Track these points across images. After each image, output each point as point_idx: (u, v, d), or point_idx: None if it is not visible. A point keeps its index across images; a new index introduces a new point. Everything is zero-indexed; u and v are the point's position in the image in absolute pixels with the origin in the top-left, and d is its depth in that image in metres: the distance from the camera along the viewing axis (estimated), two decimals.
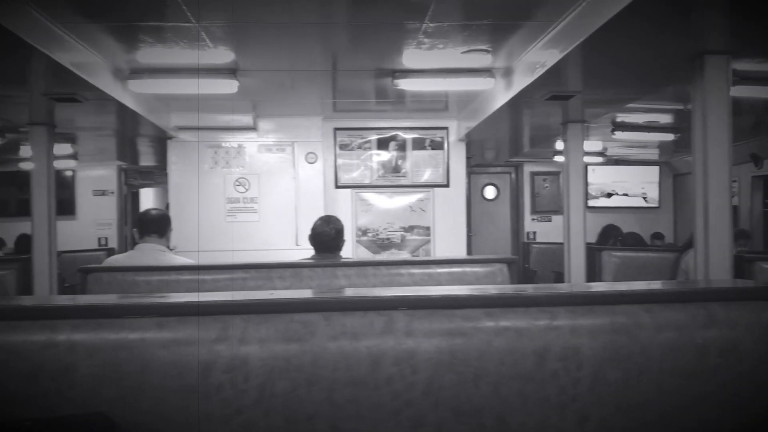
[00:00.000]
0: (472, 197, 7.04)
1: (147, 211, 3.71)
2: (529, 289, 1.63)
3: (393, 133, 6.37)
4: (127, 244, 8.78)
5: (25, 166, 7.94)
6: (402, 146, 6.39)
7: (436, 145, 6.43)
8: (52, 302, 1.53)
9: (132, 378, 1.33)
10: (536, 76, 4.10)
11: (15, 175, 8.50)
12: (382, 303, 1.45)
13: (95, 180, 8.48)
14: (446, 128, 6.43)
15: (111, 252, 7.58)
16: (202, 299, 1.43)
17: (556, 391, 1.40)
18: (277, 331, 1.39)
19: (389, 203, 6.33)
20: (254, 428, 1.33)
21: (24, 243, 6.60)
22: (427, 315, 1.43)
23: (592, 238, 5.96)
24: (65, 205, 8.11)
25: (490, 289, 1.73)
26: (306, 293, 1.84)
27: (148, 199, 10.96)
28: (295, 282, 3.16)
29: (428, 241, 6.37)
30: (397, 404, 1.37)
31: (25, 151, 7.04)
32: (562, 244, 5.47)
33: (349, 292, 1.58)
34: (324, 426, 1.35)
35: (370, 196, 6.33)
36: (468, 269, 3.31)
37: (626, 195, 8.94)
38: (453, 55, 4.30)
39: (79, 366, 1.33)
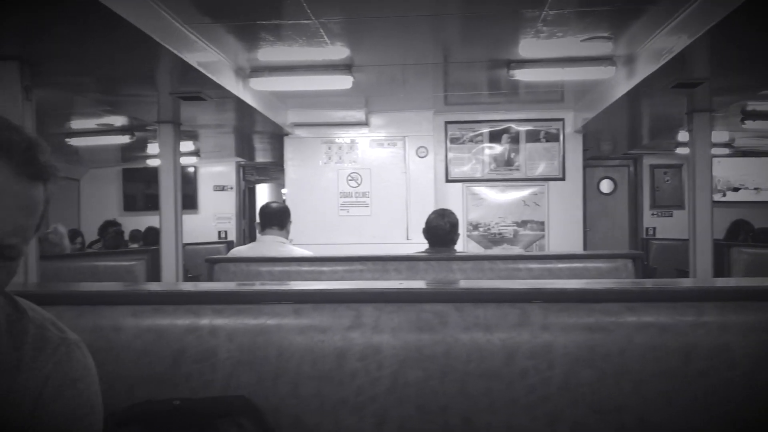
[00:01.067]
0: (587, 191, 6.81)
1: (268, 205, 3.82)
2: (670, 283, 1.55)
3: (506, 125, 6.26)
4: (244, 237, 9.13)
5: (151, 162, 8.43)
6: (515, 139, 6.26)
7: (551, 137, 6.26)
8: (195, 288, 1.59)
9: (270, 363, 1.37)
10: (661, 63, 3.89)
11: (142, 172, 9.02)
12: (516, 295, 1.41)
13: (215, 176, 8.86)
14: (562, 119, 6.25)
15: (230, 244, 7.90)
16: (336, 287, 1.44)
17: (702, 390, 1.31)
18: (409, 321, 1.38)
19: (501, 197, 6.22)
20: (387, 416, 1.33)
21: (151, 235, 7.01)
22: (564, 309, 1.38)
23: (718, 234, 5.61)
24: (188, 200, 8.52)
25: (627, 284, 1.65)
26: (438, 284, 1.82)
27: (263, 194, 11.35)
28: (410, 275, 3.16)
29: (542, 237, 6.21)
30: (532, 399, 1.33)
31: (152, 148, 7.46)
32: (685, 240, 5.18)
33: (482, 284, 1.55)
34: (457, 418, 1.33)
35: (482, 189, 6.25)
36: (590, 264, 3.20)
37: (757, 189, 8.35)
38: (572, 44, 4.16)
39: (219, 350, 1.38)
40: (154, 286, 1.46)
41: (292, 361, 1.36)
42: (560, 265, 3.21)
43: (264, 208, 3.80)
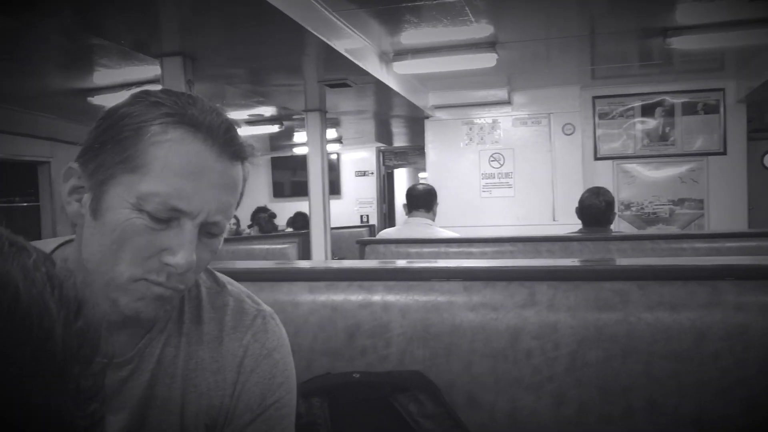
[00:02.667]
0: (751, 166, 6.28)
1: (414, 187, 3.84)
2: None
3: (659, 98, 5.88)
4: (385, 220, 9.28)
5: (297, 151, 8.76)
6: (670, 112, 5.88)
7: (710, 109, 5.81)
8: (367, 266, 1.62)
9: (442, 339, 1.36)
10: None
11: (289, 160, 9.41)
12: (705, 272, 1.31)
13: (357, 162, 9.07)
14: (722, 89, 5.78)
15: (372, 228, 8.07)
16: (507, 264, 1.41)
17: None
18: (587, 300, 1.32)
19: (655, 174, 5.87)
20: (566, 397, 1.29)
21: (299, 220, 7.30)
22: (761, 286, 1.26)
23: None
24: (332, 186, 8.79)
25: None
26: (617, 261, 1.74)
27: (401, 179, 11.47)
28: (564, 256, 3.06)
29: (701, 215, 5.80)
30: (726, 383, 1.23)
31: (298, 137, 7.74)
32: None
33: (665, 261, 1.46)
34: (641, 401, 1.26)
35: (634, 167, 5.94)
36: (764, 243, 2.94)
37: None
38: (739, 6, 3.82)
39: (392, 325, 1.39)
40: (328, 264, 1.50)
41: (465, 338, 1.35)
42: (728, 244, 2.98)
43: (411, 190, 3.82)
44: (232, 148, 0.83)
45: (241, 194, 0.88)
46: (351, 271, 1.48)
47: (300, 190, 8.67)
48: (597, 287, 1.32)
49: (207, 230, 0.83)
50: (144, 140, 0.79)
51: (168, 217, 0.79)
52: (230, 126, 0.85)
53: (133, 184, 0.78)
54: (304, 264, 1.80)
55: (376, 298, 1.42)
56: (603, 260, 1.74)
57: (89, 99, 5.12)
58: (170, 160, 0.78)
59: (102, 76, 4.58)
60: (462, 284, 1.40)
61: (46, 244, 0.92)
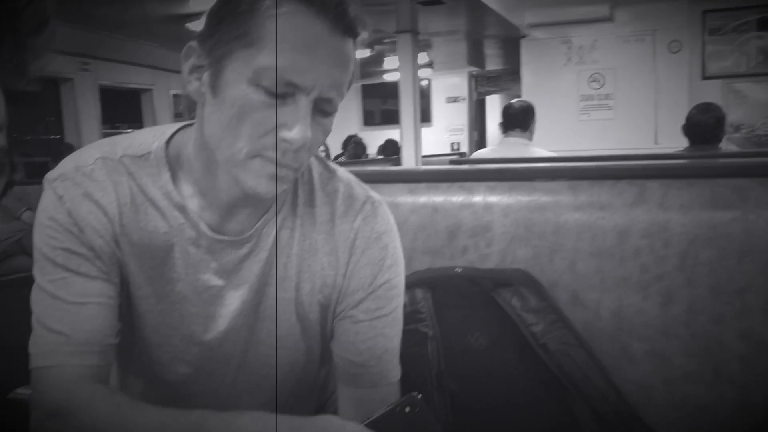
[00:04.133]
0: None
1: (510, 104, 3.75)
2: None
3: None
4: (476, 148, 9.17)
5: (387, 78, 8.71)
6: None
7: None
8: (469, 167, 1.61)
9: (545, 239, 1.35)
10: None
11: (379, 88, 9.37)
12: None
13: (448, 88, 8.93)
14: None
15: (463, 156, 8.00)
16: (615, 163, 1.37)
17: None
18: (701, 197, 1.27)
19: None
20: (675, 296, 1.26)
21: (390, 147, 7.31)
22: None
23: None
24: (423, 113, 8.73)
25: None
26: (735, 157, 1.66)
27: (493, 106, 11.24)
28: None
29: None
30: None
31: (388, 63, 7.68)
32: None
33: None
34: (759, 300, 1.21)
35: (745, 86, 5.55)
36: None
37: None
38: None
39: (494, 225, 1.38)
40: (428, 167, 1.50)
41: (569, 237, 1.33)
42: None
43: (507, 107, 3.73)
44: (344, 22, 0.82)
45: (353, 73, 0.88)
46: (451, 173, 1.47)
47: (390, 118, 8.65)
48: (712, 184, 1.26)
49: (320, 108, 0.84)
50: (259, 14, 0.79)
51: (283, 92, 0.80)
52: (342, 0, 0.84)
53: (249, 58, 0.80)
54: (403, 167, 1.80)
55: (478, 198, 1.41)
56: (718, 155, 1.64)
57: (187, 25, 5.24)
58: (284, 34, 0.79)
59: (198, 1, 4.67)
60: (567, 183, 1.36)
61: (165, 129, 0.96)
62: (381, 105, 9.78)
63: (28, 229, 3.17)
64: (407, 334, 1.17)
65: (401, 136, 5.50)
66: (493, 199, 1.40)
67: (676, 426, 1.23)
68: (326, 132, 0.87)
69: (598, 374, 1.16)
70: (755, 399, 1.21)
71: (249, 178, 0.83)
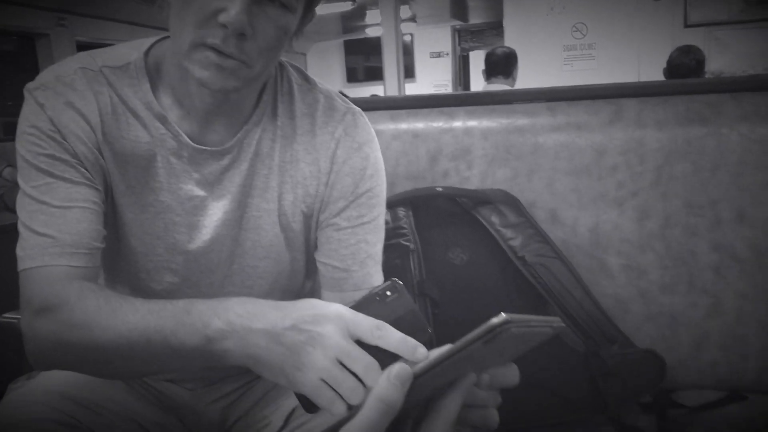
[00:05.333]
0: None
1: (493, 51, 3.74)
2: None
3: None
4: None
5: (371, 32, 8.61)
6: None
7: None
8: (449, 92, 1.62)
9: (524, 159, 1.37)
10: None
11: (362, 44, 9.27)
12: None
13: (431, 42, 8.85)
14: None
15: None
16: (591, 84, 1.38)
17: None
18: (676, 113, 1.29)
19: (752, 42, 5.48)
20: (651, 210, 1.29)
21: None
22: None
23: None
24: (406, 69, 8.67)
25: None
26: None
27: (477, 62, 11.18)
28: None
29: None
30: None
31: (370, 16, 7.59)
32: None
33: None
34: (730, 212, 1.25)
35: (727, 35, 5.55)
36: None
37: None
38: None
39: (474, 148, 1.40)
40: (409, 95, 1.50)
41: (547, 157, 1.35)
42: None
43: (489, 54, 3.72)
44: None
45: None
46: (432, 98, 1.48)
47: (374, 74, 8.58)
48: (687, 100, 1.29)
49: None
50: None
51: None
52: None
53: None
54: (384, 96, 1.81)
55: (458, 123, 1.43)
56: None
57: None
58: None
59: None
60: (545, 105, 1.38)
61: (144, 41, 0.97)
62: (364, 62, 9.69)
63: (9, 186, 3.15)
64: (389, 249, 1.20)
65: (385, 93, 5.47)
66: (472, 123, 1.42)
67: (651, 335, 1.27)
68: (280, 27, 0.85)
69: (574, 284, 1.20)
70: (726, 307, 1.25)
71: (196, 69, 0.82)
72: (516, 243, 1.22)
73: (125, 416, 1.04)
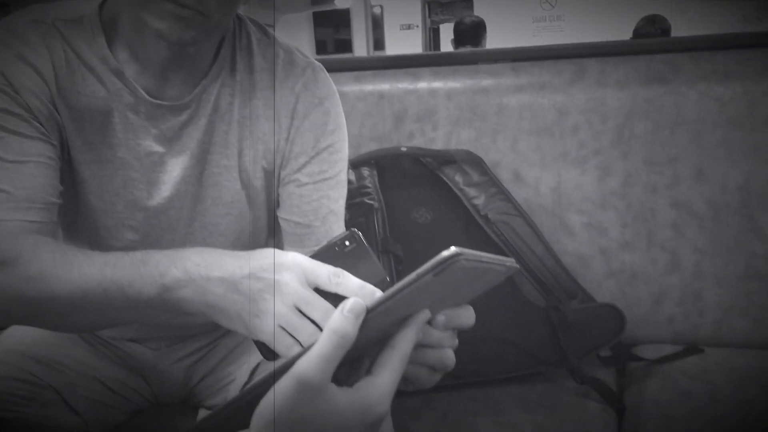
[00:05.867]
0: None
1: (462, 20, 3.73)
2: None
3: None
4: None
5: (339, 2, 8.52)
6: None
7: None
8: (413, 53, 1.62)
9: (488, 120, 1.37)
10: None
11: (331, 16, 9.17)
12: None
13: (401, 15, 8.79)
14: None
15: None
16: (554, 43, 1.39)
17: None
18: (637, 72, 1.30)
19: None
20: (612, 169, 1.31)
21: None
22: None
23: None
24: (376, 42, 8.60)
25: None
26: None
27: (448, 34, 11.14)
28: None
29: None
30: None
31: None
32: None
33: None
34: (688, 169, 1.27)
35: (693, 3, 5.61)
36: None
37: None
38: None
39: (439, 109, 1.41)
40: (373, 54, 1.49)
41: (511, 117, 1.36)
42: None
43: (458, 24, 3.71)
44: None
45: None
46: (396, 59, 1.48)
47: (343, 47, 8.51)
48: (648, 59, 1.30)
49: None
50: None
51: None
52: None
53: None
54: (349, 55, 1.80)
55: (423, 84, 1.43)
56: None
57: None
58: None
59: None
60: (509, 65, 1.39)
61: None
62: (333, 34, 9.59)
63: None
64: (353, 207, 1.20)
65: None
66: (437, 84, 1.42)
67: (611, 292, 1.30)
68: None
69: (536, 241, 1.21)
70: (683, 263, 1.28)
71: (153, 20, 0.80)
72: (479, 201, 1.23)
73: (88, 375, 1.04)
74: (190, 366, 1.11)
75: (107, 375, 1.06)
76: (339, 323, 0.47)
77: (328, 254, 0.71)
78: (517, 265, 0.58)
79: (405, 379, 0.56)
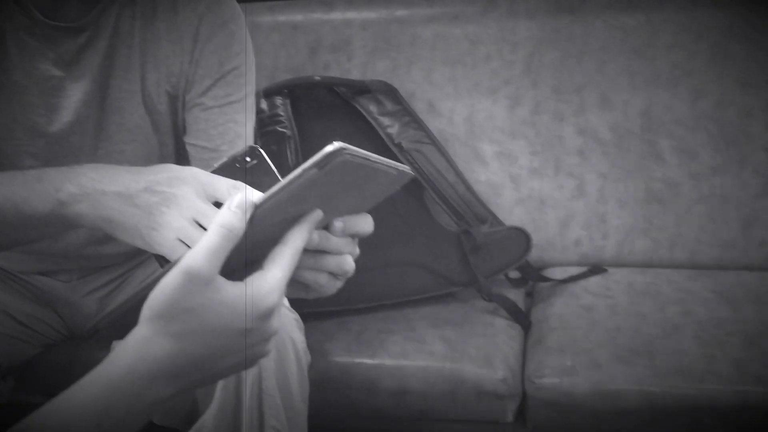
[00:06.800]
0: None
1: None
2: None
3: None
4: None
5: None
6: None
7: None
8: None
9: (403, 51, 1.38)
10: None
11: None
12: None
13: None
14: None
15: None
16: None
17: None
18: (546, 2, 1.34)
19: None
20: (522, 98, 1.34)
21: None
22: None
23: None
24: None
25: None
26: None
27: None
28: None
29: None
30: (675, 75, 1.28)
31: None
32: None
33: None
34: (593, 97, 1.32)
35: None
36: None
37: None
38: None
39: (354, 39, 1.40)
40: None
41: (425, 48, 1.37)
42: None
43: None
44: None
45: None
46: None
47: None
48: None
49: None
50: None
51: None
52: None
53: None
54: None
55: (337, 14, 1.42)
56: None
57: None
58: None
59: None
60: None
61: None
62: None
63: None
64: (266, 135, 1.20)
65: None
66: (351, 14, 1.41)
67: (521, 218, 1.34)
68: None
69: (447, 168, 1.24)
70: (589, 188, 1.34)
71: None
72: (393, 131, 1.25)
73: None
74: (102, 298, 1.10)
75: (18, 309, 1.04)
76: (226, 217, 0.47)
77: (228, 169, 0.70)
78: (412, 173, 0.59)
79: (307, 286, 0.57)
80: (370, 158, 0.54)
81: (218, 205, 0.67)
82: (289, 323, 0.91)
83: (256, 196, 0.67)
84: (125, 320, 0.48)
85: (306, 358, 0.92)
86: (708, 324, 1.10)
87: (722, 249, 1.30)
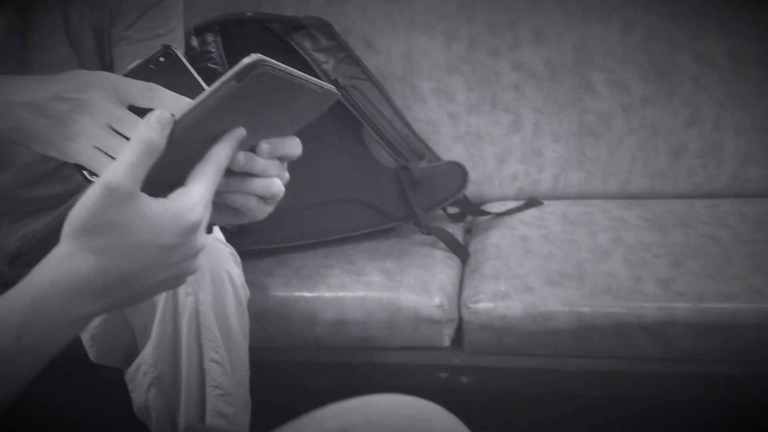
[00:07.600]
0: None
1: None
2: None
3: None
4: None
5: None
6: None
7: None
8: None
9: None
10: None
11: None
12: None
13: None
14: None
15: None
16: None
17: None
18: None
19: None
20: (458, 33, 1.34)
21: None
22: None
23: None
24: None
25: None
26: None
27: None
28: None
29: None
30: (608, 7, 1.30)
31: None
32: None
33: None
34: (527, 31, 1.33)
35: None
36: None
37: None
38: None
39: None
40: None
41: None
42: None
43: None
44: None
45: None
46: None
47: None
48: None
49: None
50: None
51: None
52: None
53: None
54: None
55: None
56: None
57: None
58: None
59: None
60: None
61: None
62: None
63: None
64: (197, 72, 1.17)
65: None
66: None
67: (459, 155, 1.36)
68: None
69: (385, 104, 1.25)
70: (524, 122, 1.36)
71: None
72: (328, 67, 1.24)
73: None
74: None
75: None
76: (145, 132, 0.47)
77: (141, 72, 0.67)
78: (338, 93, 0.59)
79: (237, 211, 0.57)
80: (293, 73, 0.53)
81: (133, 109, 0.65)
82: (225, 257, 0.91)
83: (169, 97, 0.65)
84: (48, 242, 0.48)
85: (244, 292, 0.92)
86: (637, 248, 1.15)
87: (653, 178, 1.34)
